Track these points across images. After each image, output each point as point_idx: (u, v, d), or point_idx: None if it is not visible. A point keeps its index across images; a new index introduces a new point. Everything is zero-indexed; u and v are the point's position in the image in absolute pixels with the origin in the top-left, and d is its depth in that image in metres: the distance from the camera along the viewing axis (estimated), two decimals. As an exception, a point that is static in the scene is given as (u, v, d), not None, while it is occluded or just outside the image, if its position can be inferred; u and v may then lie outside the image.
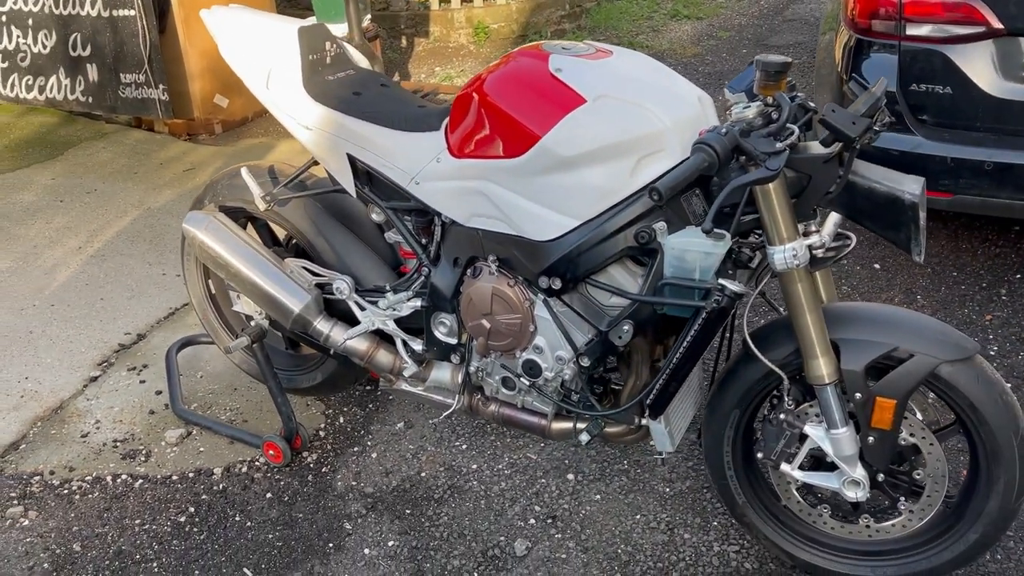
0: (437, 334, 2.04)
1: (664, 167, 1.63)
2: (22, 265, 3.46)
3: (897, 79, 2.72)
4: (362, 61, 2.20)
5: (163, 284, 3.32)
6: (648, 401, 1.80)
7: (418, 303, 2.02)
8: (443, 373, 2.13)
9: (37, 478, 2.36)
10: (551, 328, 1.84)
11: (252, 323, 2.29)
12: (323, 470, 2.37)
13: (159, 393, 2.69)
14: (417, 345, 2.08)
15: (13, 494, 2.30)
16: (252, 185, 2.13)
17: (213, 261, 2.13)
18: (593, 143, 1.63)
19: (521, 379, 1.95)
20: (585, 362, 1.81)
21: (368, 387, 2.66)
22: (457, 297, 1.97)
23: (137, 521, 2.21)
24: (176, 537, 2.15)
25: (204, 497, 2.28)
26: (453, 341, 2.02)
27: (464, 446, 2.41)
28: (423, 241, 2.02)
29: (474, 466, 2.34)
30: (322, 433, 2.52)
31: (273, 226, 2.37)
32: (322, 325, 2.14)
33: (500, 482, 2.27)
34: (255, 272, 2.10)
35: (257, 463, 2.39)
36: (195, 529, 2.18)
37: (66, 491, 2.31)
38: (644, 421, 1.88)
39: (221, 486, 2.32)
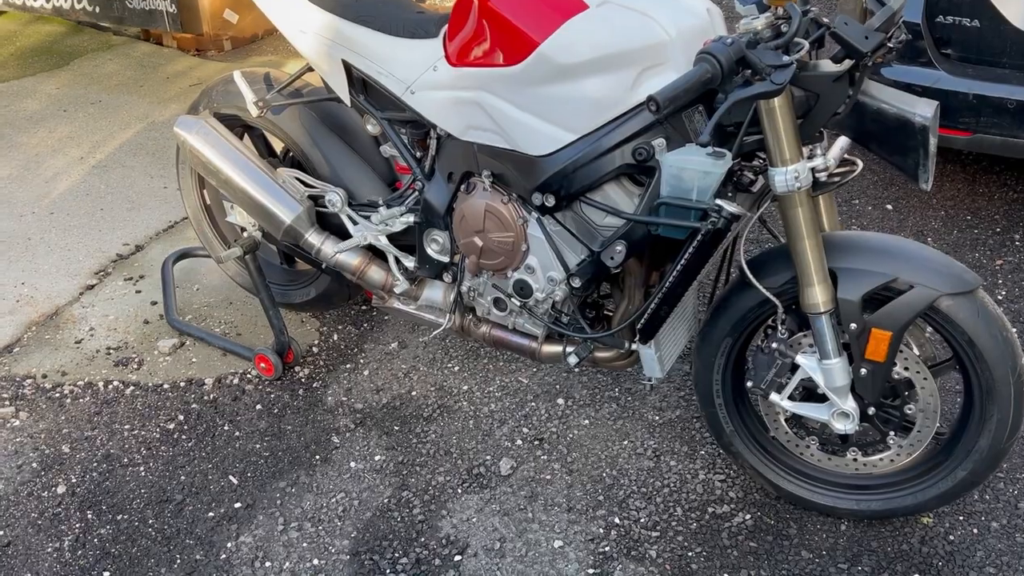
0: (429, 251, 2.00)
1: (666, 80, 1.57)
2: (23, 173, 3.43)
3: (923, 10, 2.60)
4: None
5: (164, 197, 3.29)
6: (639, 325, 1.76)
7: (411, 219, 1.98)
8: (435, 292, 2.09)
9: (29, 381, 2.37)
10: (543, 247, 1.80)
11: (245, 234, 2.25)
12: (314, 385, 2.36)
13: (154, 304, 2.68)
14: (409, 262, 2.05)
15: (5, 395, 2.31)
16: (245, 90, 2.07)
17: (204, 167, 2.09)
18: (593, 52, 1.56)
19: (512, 300, 1.92)
20: (576, 283, 1.77)
21: (363, 307, 2.64)
22: (450, 214, 1.93)
23: (127, 426, 2.21)
24: (164, 443, 2.16)
25: (194, 406, 2.28)
26: (445, 259, 1.99)
27: (456, 368, 2.40)
28: (418, 155, 1.97)
29: (465, 387, 2.33)
30: (315, 349, 2.50)
31: (269, 137, 2.32)
32: (313, 238, 2.10)
33: (490, 404, 2.26)
34: (246, 180, 2.05)
35: (249, 375, 2.39)
36: (183, 436, 2.18)
37: (57, 395, 2.32)
38: (634, 346, 1.85)
39: (212, 396, 2.32)
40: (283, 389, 2.34)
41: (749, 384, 1.76)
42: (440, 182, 1.92)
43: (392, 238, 2.05)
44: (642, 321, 1.76)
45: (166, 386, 2.36)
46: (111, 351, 2.49)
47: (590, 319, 1.92)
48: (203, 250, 2.65)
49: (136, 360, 2.45)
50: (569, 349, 1.93)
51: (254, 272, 2.27)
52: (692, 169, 1.54)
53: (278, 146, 2.40)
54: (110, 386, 2.35)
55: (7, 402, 2.29)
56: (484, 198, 1.83)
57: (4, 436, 2.18)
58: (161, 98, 4.15)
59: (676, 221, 1.58)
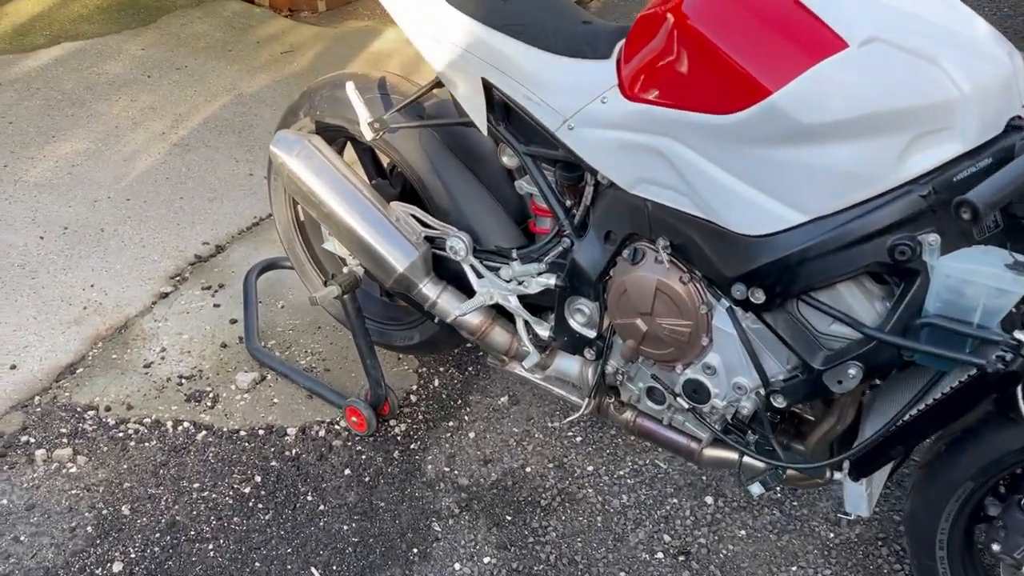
0: (571, 322, 1.60)
1: (948, 152, 1.13)
2: (101, 148, 3.13)
3: None
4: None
5: (249, 187, 2.96)
6: (854, 457, 1.34)
7: (551, 281, 1.58)
8: (570, 364, 1.70)
9: (91, 413, 2.07)
10: (734, 348, 1.38)
11: (345, 269, 1.88)
12: (412, 446, 2.00)
13: (234, 322, 2.36)
14: (543, 330, 1.66)
15: (64, 430, 2.02)
16: (358, 106, 1.68)
17: (303, 196, 1.71)
18: (851, 109, 1.12)
19: (678, 399, 1.51)
20: (780, 402, 1.36)
21: (467, 344, 2.27)
22: (605, 282, 1.52)
23: (196, 485, 1.90)
24: (238, 513, 1.84)
25: (274, 464, 1.95)
26: (591, 334, 1.59)
27: (579, 439, 2.01)
28: (567, 203, 1.56)
29: (590, 467, 1.94)
30: (413, 397, 2.14)
31: (378, 151, 1.93)
32: (429, 289, 1.72)
33: (621, 494, 1.87)
34: (353, 216, 1.68)
35: (337, 427, 2.05)
36: (260, 505, 1.85)
37: (121, 434, 2.02)
38: (837, 475, 1.44)
39: (294, 452, 1.98)
40: (376, 449, 1.99)
41: (996, 548, 1.33)
42: (594, 241, 1.51)
43: (523, 298, 1.66)
44: (859, 455, 1.33)
45: (243, 433, 2.03)
46: (183, 381, 2.17)
47: (773, 423, 1.51)
48: (291, 262, 2.30)
49: (210, 395, 2.13)
50: (748, 462, 1.52)
51: (352, 314, 1.91)
52: (981, 283, 1.10)
53: (386, 159, 2.02)
54: (180, 428, 2.04)
55: (65, 440, 1.99)
56: (656, 273, 1.41)
57: (59, 485, 1.88)
58: (250, 66, 3.81)
59: (945, 351, 1.14)
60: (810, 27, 1.15)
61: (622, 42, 1.43)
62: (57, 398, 2.11)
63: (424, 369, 2.23)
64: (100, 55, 3.84)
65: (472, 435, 2.03)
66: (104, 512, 1.83)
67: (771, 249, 1.24)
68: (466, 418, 2.08)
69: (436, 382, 2.19)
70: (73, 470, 1.92)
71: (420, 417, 2.09)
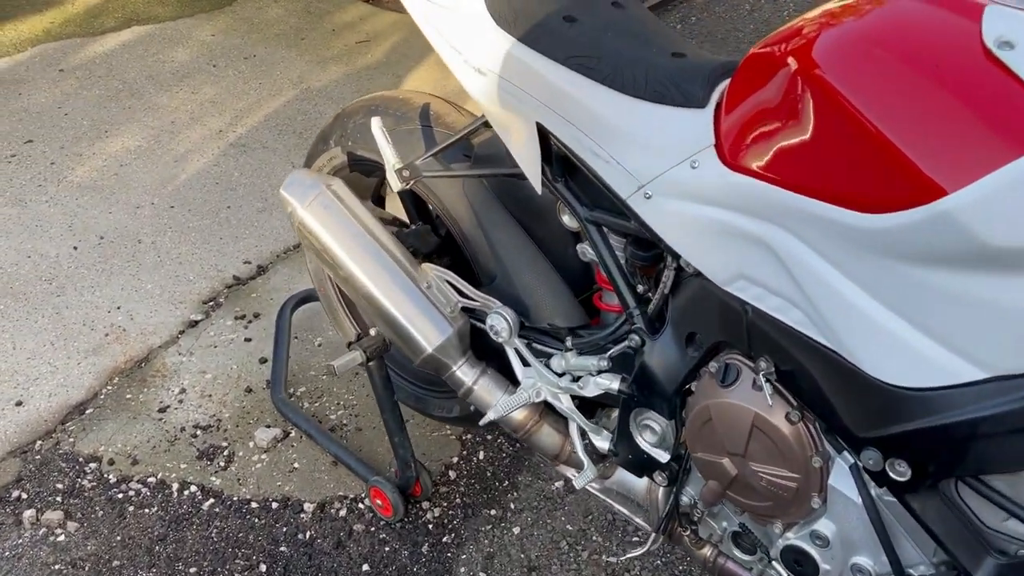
0: (638, 439, 1.24)
1: None
2: (153, 146, 2.92)
3: None
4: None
5: (301, 198, 2.68)
6: None
7: (614, 384, 1.22)
8: (635, 481, 1.35)
9: (93, 466, 1.83)
10: (857, 520, 1.00)
11: (372, 331, 1.57)
12: (444, 539, 1.69)
13: (263, 362, 2.09)
14: (602, 441, 1.30)
15: (60, 485, 1.79)
16: (386, 150, 1.36)
17: (317, 252, 1.40)
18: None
19: (773, 564, 1.14)
20: (917, 609, 0.97)
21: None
22: (682, 396, 1.16)
23: (192, 569, 1.63)
24: (234, 612, 1.57)
25: (283, 549, 1.67)
26: (662, 457, 1.22)
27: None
28: (639, 288, 1.20)
29: (657, 588, 1.59)
30: (452, 473, 1.83)
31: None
32: (464, 373, 1.39)
33: (693, 631, 1.51)
34: (375, 283, 1.36)
35: (361, 506, 1.75)
36: (260, 605, 1.58)
37: (121, 495, 1.77)
38: None
39: (308, 535, 1.69)
40: (403, 540, 1.68)
41: None
42: (672, 343, 1.15)
43: (577, 396, 1.31)
44: None
45: (254, 504, 1.76)
46: (198, 432, 1.91)
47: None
48: (322, 304, 2.01)
49: (225, 453, 1.86)
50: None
51: (379, 386, 1.60)
52: None
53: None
54: (186, 492, 1.78)
55: (59, 498, 1.76)
56: (753, 404, 1.04)
57: (42, 557, 1.65)
58: (321, 57, 3.55)
59: None
60: (1012, 97, 0.75)
61: (725, 86, 1.06)
62: (60, 444, 1.88)
63: (469, 436, 1.91)
64: (168, 40, 3.64)
65: (517, 530, 1.70)
66: (85, 598, 1.58)
67: (927, 410, 0.85)
68: (512, 506, 1.75)
69: (481, 455, 1.87)
70: (61, 539, 1.68)
71: (458, 500, 1.77)
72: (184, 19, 3.84)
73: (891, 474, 0.90)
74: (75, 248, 2.43)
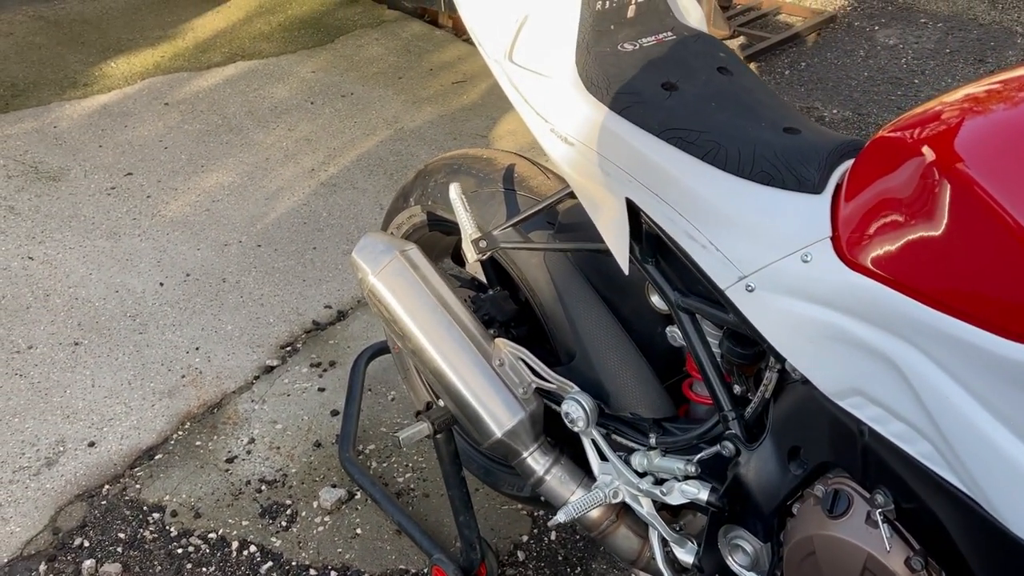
0: (728, 560, 1.09)
1: None
2: (247, 183, 2.93)
3: None
4: (691, 11, 1.20)
5: (386, 242, 2.64)
6: None
7: (702, 495, 1.08)
8: (722, 600, 1.19)
9: (156, 516, 1.79)
10: None
11: (441, 402, 1.47)
12: (508, 629, 1.57)
13: (335, 415, 2.03)
14: (687, 555, 1.16)
15: (122, 535, 1.75)
16: (463, 217, 1.27)
17: (387, 321, 1.31)
18: None
19: None
20: None
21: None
22: (782, 518, 1.01)
23: (243, 640, 1.56)
24: None
25: (338, 624, 1.58)
26: (754, 580, 1.08)
27: (729, 657, 1.48)
28: (736, 390, 1.06)
29: None
30: (521, 554, 1.71)
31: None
32: (535, 462, 1.28)
33: None
34: (444, 359, 1.26)
35: (422, 583, 1.65)
36: None
37: (180, 550, 1.72)
38: None
39: (365, 610, 1.60)
40: (463, 625, 1.57)
41: None
42: (771, 456, 1.00)
43: (659, 502, 1.17)
44: None
45: (312, 572, 1.68)
46: (263, 488, 1.85)
47: None
48: (396, 364, 1.93)
49: (288, 512, 1.80)
50: None
51: (446, 460, 1.50)
52: None
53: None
54: (245, 553, 1.72)
55: (120, 549, 1.72)
56: (867, 543, 0.89)
57: (97, 612, 1.61)
58: (417, 97, 3.53)
59: None
60: None
61: (846, 169, 0.92)
62: (127, 490, 1.85)
63: (541, 512, 1.78)
64: (270, 76, 3.69)
65: (587, 625, 1.57)
66: (133, 662, 1.53)
67: (1091, 590, 0.69)
68: (583, 596, 1.62)
69: (553, 535, 1.74)
70: (117, 594, 1.64)
71: (526, 585, 1.64)
72: (287, 55, 3.91)
73: (1041, 660, 0.74)
74: (161, 284, 2.44)
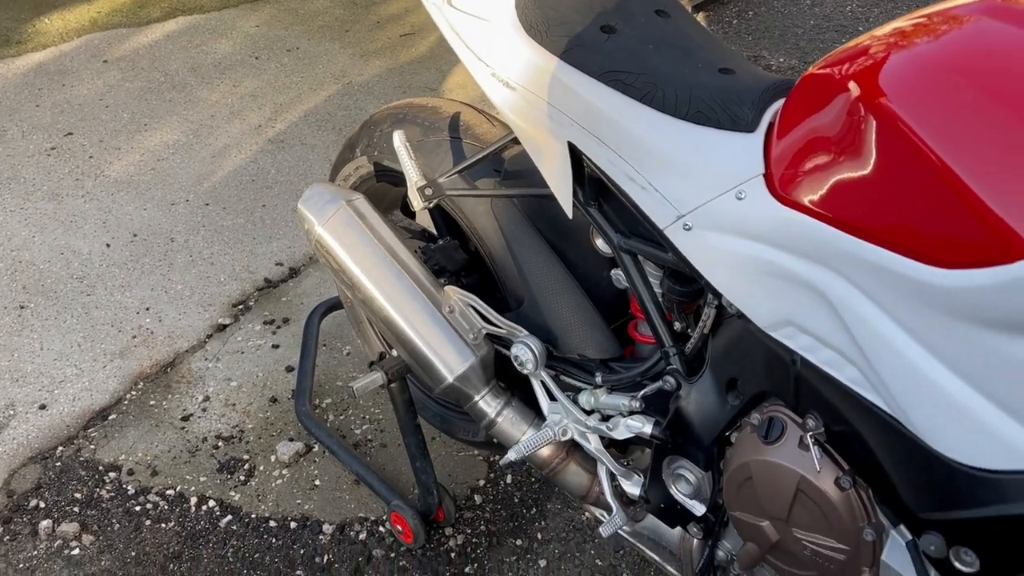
0: (671, 489, 1.14)
1: None
2: (192, 141, 2.88)
3: None
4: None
5: (336, 198, 2.62)
6: None
7: (646, 428, 1.12)
8: (669, 530, 1.24)
9: (112, 476, 1.79)
10: (913, 605, 0.89)
11: (394, 351, 1.49)
12: (466, 570, 1.61)
13: (290, 370, 2.03)
14: (633, 487, 1.20)
15: (78, 495, 1.75)
16: (407, 165, 1.27)
17: (335, 272, 1.32)
18: None
19: (817, 638, 1.03)
20: None
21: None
22: (721, 447, 1.05)
23: (205, 591, 1.58)
24: (245, 639, 1.51)
25: (299, 573, 1.61)
26: (698, 509, 1.12)
27: (679, 587, 1.55)
28: (677, 326, 1.09)
29: (689, 634, 1.48)
30: (478, 498, 1.75)
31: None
32: (486, 404, 1.30)
33: None
34: (394, 306, 1.27)
35: (381, 529, 1.68)
36: (272, 632, 1.52)
37: (138, 507, 1.73)
38: None
39: (326, 558, 1.63)
40: (423, 568, 1.61)
41: None
42: (711, 388, 1.04)
43: (605, 438, 1.21)
44: None
45: (272, 523, 1.70)
46: (219, 443, 1.86)
47: None
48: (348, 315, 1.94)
49: (245, 467, 1.81)
50: None
51: (401, 408, 1.52)
52: None
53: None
54: (204, 508, 1.73)
55: (77, 509, 1.72)
56: (799, 465, 0.93)
57: (57, 569, 1.61)
58: (365, 50, 3.48)
59: None
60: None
61: (777, 108, 0.95)
62: (81, 451, 1.84)
63: (497, 458, 1.82)
64: (212, 31, 3.61)
65: (543, 563, 1.61)
66: (95, 617, 1.54)
67: (1003, 496, 0.73)
68: (539, 536, 1.67)
69: (508, 479, 1.78)
70: (76, 552, 1.64)
71: (482, 527, 1.68)
72: (229, 9, 3.82)
73: (956, 563, 0.79)
74: (108, 245, 2.41)
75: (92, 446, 1.86)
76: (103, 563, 1.62)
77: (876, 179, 0.79)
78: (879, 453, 0.84)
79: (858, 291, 0.81)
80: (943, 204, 0.72)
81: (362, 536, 1.67)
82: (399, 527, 1.61)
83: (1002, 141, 0.70)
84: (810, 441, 0.91)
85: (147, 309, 2.21)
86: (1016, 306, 0.67)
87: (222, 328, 2.17)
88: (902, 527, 0.88)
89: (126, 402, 1.96)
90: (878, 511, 0.90)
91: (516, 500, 1.74)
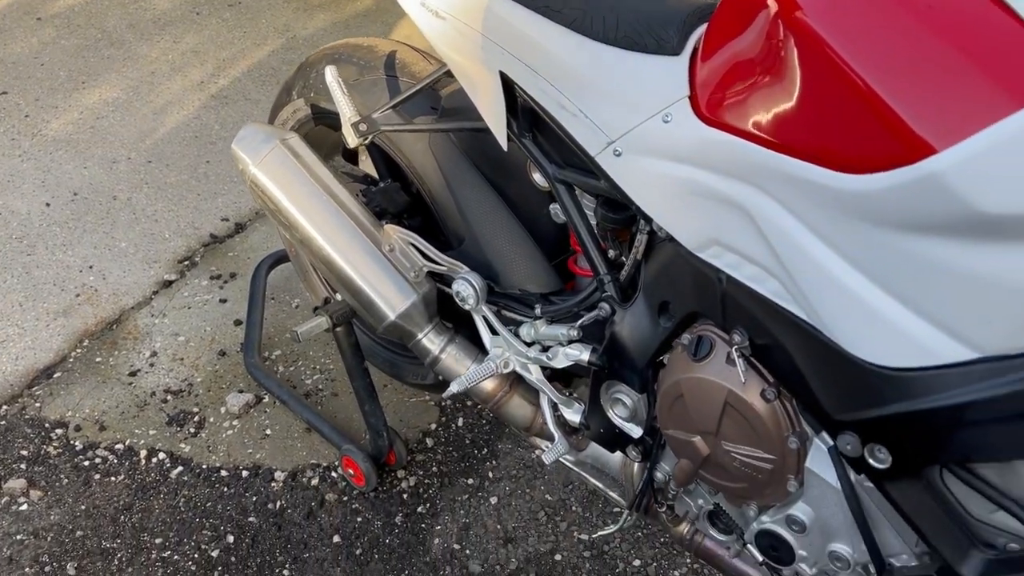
0: (609, 414, 1.17)
1: None
2: (132, 99, 2.82)
3: None
4: None
5: (282, 152, 2.59)
6: None
7: (583, 355, 1.14)
8: (610, 456, 1.28)
9: (59, 432, 1.78)
10: (835, 506, 0.93)
11: (338, 295, 1.49)
12: (419, 509, 1.63)
13: (238, 324, 2.02)
14: (574, 414, 1.23)
15: (25, 452, 1.74)
16: (340, 101, 1.26)
17: (272, 213, 1.32)
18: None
19: (748, 547, 1.07)
20: (898, 604, 0.91)
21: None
22: (656, 370, 1.08)
23: (158, 540, 1.58)
24: (199, 584, 1.52)
25: (252, 519, 1.62)
26: (635, 432, 1.15)
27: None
28: (611, 254, 1.11)
29: (636, 562, 1.53)
30: (430, 441, 1.77)
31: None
32: (430, 341, 1.32)
33: (672, 607, 1.46)
34: (333, 245, 1.27)
35: (334, 475, 1.70)
36: (226, 576, 1.53)
37: (87, 463, 1.72)
38: None
39: (278, 504, 1.64)
40: (376, 510, 1.63)
41: None
42: (644, 312, 1.07)
43: (547, 368, 1.23)
44: None
45: (224, 473, 1.70)
46: (168, 397, 1.85)
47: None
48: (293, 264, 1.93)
49: (195, 419, 1.81)
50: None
51: (347, 352, 1.53)
52: None
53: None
54: (154, 460, 1.73)
55: (23, 465, 1.71)
56: (726, 380, 0.96)
57: (4, 527, 1.60)
58: (308, 4, 3.42)
59: None
60: (1012, 42, 0.65)
61: (702, 31, 0.96)
62: (26, 409, 1.82)
63: (449, 402, 1.84)
64: (150, -13, 3.51)
65: (494, 500, 1.64)
66: (47, 570, 1.54)
67: (910, 393, 0.77)
68: (490, 475, 1.69)
69: (460, 421, 1.80)
70: (24, 507, 1.63)
71: (434, 469, 1.71)
72: (167, -35, 3.70)
73: (870, 460, 0.83)
74: (47, 205, 2.36)
75: (37, 404, 1.84)
76: (52, 517, 1.62)
77: (793, 93, 0.81)
78: (800, 362, 0.87)
79: (778, 204, 0.83)
80: (853, 112, 0.74)
81: (314, 482, 1.68)
82: (351, 471, 1.62)
83: (904, 50, 0.72)
84: (736, 356, 0.94)
85: (90, 267, 2.18)
86: (919, 206, 0.70)
87: (168, 284, 2.14)
88: (824, 434, 0.91)
89: (71, 360, 1.94)
90: (802, 420, 0.93)
91: (468, 442, 1.76)
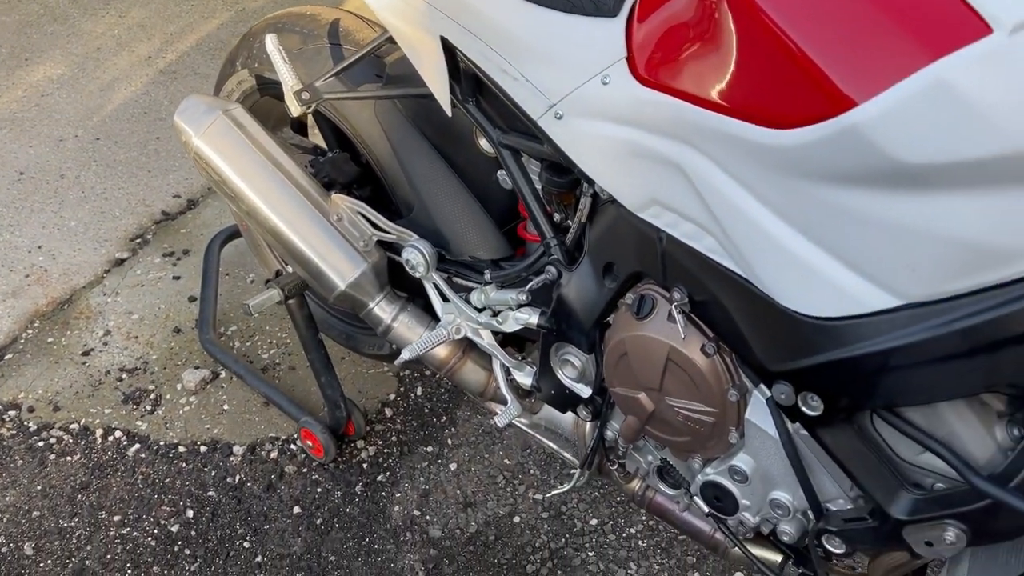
0: (559, 375, 1.19)
1: None
2: (78, 75, 2.76)
3: None
4: None
5: (234, 127, 2.56)
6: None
7: (532, 319, 1.16)
8: (562, 417, 1.30)
9: (12, 414, 1.76)
10: (775, 455, 0.96)
11: (290, 267, 1.49)
12: (379, 478, 1.65)
13: (192, 300, 2.01)
14: (525, 377, 1.25)
15: (-23, 435, 1.72)
16: (282, 69, 1.25)
17: (217, 184, 1.30)
18: (993, 141, 0.65)
19: (695, 500, 1.10)
20: (836, 546, 0.94)
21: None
22: (602, 330, 1.10)
23: (116, 518, 1.58)
24: (159, 560, 1.52)
25: (211, 494, 1.62)
26: (584, 392, 1.17)
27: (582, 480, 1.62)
28: (556, 217, 1.12)
29: (593, 521, 1.56)
30: (389, 411, 1.78)
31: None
32: (382, 310, 1.32)
33: (629, 562, 1.49)
34: (279, 215, 1.27)
35: (293, 447, 1.70)
36: (187, 551, 1.53)
37: (42, 443, 1.71)
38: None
39: (237, 478, 1.65)
40: (336, 480, 1.64)
41: None
42: (589, 274, 1.08)
43: (498, 332, 1.25)
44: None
45: (182, 449, 1.70)
46: (123, 376, 1.84)
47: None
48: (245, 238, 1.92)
49: (151, 396, 1.80)
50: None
51: (301, 324, 1.53)
52: None
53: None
54: (110, 438, 1.72)
55: (-24, 448, 1.69)
56: (668, 336, 0.98)
57: (-41, 509, 1.59)
58: (257, -24, 3.35)
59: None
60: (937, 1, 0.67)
61: (637, -6, 0.96)
62: (-23, 392, 1.80)
63: (407, 373, 1.85)
64: (93, -39, 3.42)
65: (453, 467, 1.66)
66: (3, 551, 1.53)
67: (838, 341, 0.79)
68: (449, 442, 1.71)
69: (419, 391, 1.81)
70: (-22, 490, 1.62)
71: (393, 438, 1.72)
72: (110, -63, 3.61)
73: (804, 408, 0.85)
74: (-7, 185, 2.31)
75: (-11, 387, 1.82)
76: (7, 499, 1.61)
77: (724, 53, 0.82)
78: (736, 316, 0.89)
79: (712, 162, 0.85)
80: (780, 69, 0.76)
81: (273, 455, 1.69)
82: (309, 442, 1.63)
83: (830, 7, 0.73)
84: (676, 313, 0.96)
85: (39, 247, 2.14)
86: (842, 158, 0.72)
87: (120, 263, 2.12)
88: (762, 386, 0.94)
89: (22, 341, 1.92)
90: (741, 373, 0.96)
91: (426, 410, 1.78)
